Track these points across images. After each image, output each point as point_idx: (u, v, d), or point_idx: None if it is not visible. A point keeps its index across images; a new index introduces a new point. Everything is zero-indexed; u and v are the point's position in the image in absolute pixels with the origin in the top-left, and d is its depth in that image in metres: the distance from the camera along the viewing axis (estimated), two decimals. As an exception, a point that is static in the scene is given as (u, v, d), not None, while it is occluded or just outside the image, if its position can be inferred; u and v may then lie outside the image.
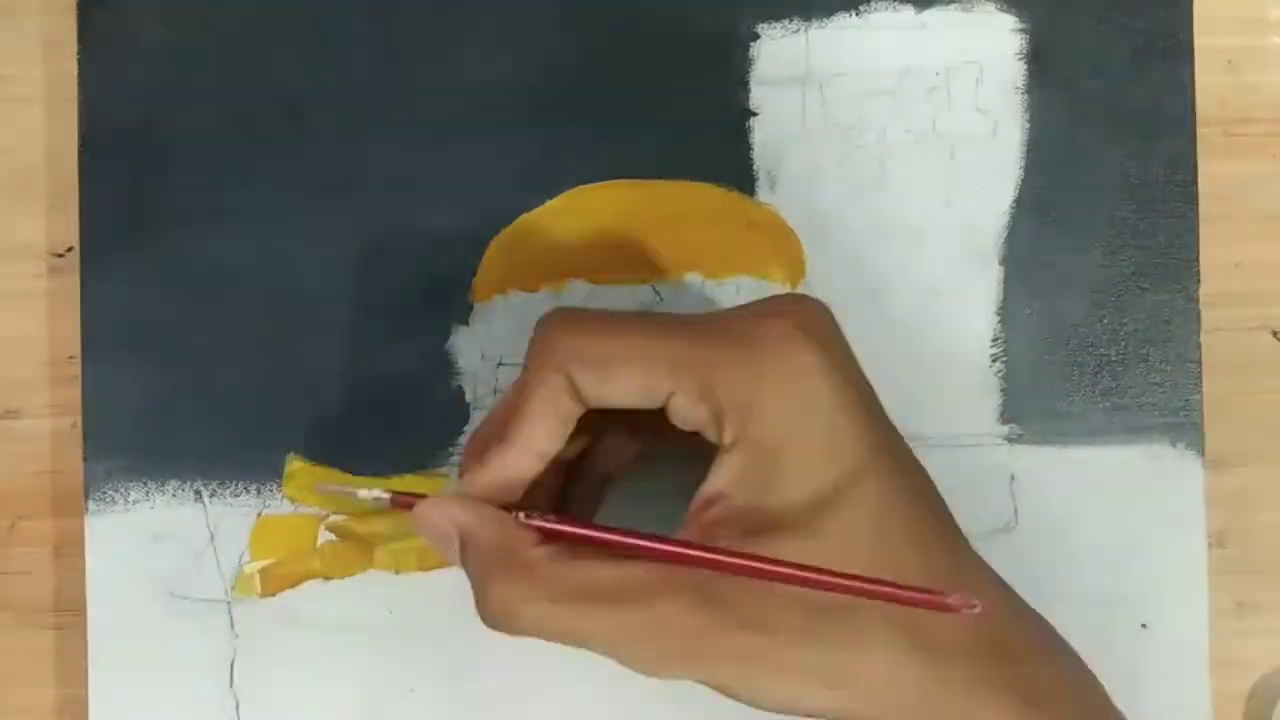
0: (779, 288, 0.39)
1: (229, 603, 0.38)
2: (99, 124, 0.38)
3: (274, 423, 0.38)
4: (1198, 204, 0.39)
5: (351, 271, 0.38)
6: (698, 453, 0.30)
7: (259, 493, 0.38)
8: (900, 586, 0.27)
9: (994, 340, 0.39)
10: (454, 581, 0.38)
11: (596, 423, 0.31)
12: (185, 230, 0.38)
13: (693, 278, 0.39)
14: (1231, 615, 0.39)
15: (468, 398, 0.38)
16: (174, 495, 0.38)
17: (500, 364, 0.38)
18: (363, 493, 0.32)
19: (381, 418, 0.38)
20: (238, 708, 0.38)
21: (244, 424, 0.38)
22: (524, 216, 0.38)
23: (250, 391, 0.38)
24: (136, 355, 0.38)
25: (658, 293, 0.39)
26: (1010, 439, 0.38)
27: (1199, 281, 0.39)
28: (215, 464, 0.38)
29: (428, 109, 0.38)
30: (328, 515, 0.38)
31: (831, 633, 0.27)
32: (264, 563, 0.38)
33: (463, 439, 0.38)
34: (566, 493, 0.34)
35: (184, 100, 0.38)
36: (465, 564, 0.29)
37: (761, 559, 0.27)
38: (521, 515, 0.29)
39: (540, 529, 0.29)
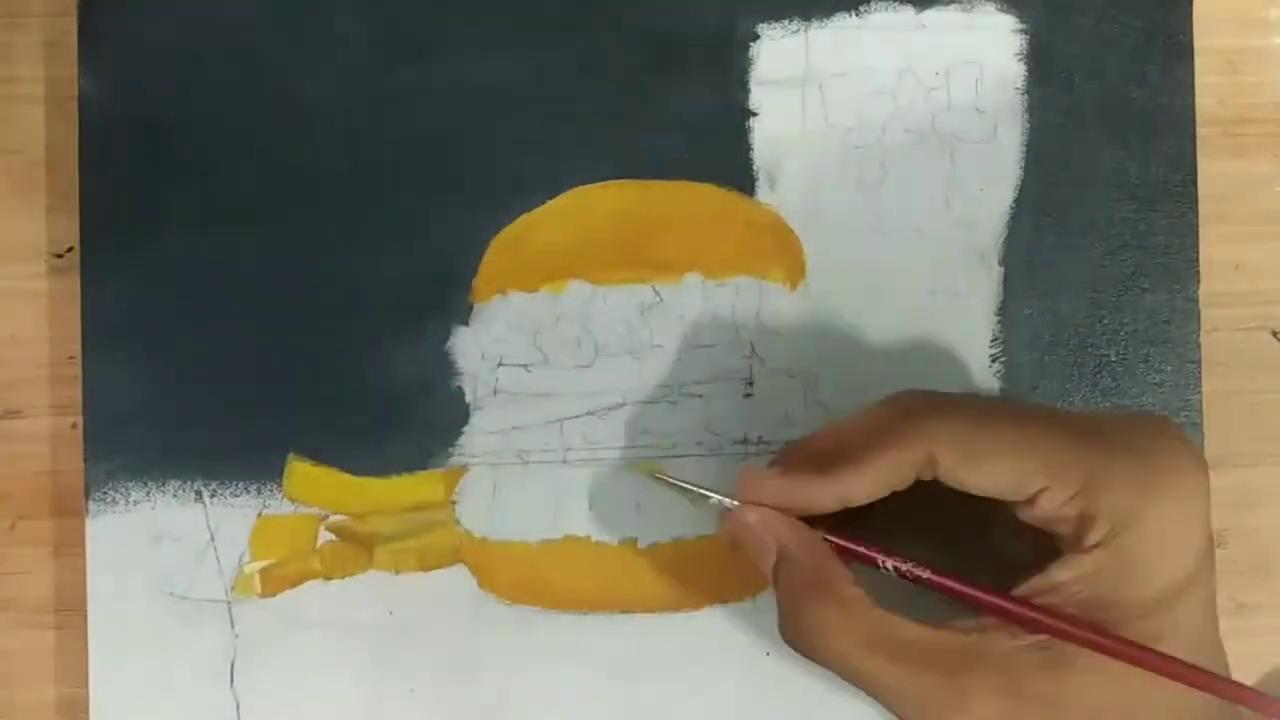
0: (779, 288, 0.39)
1: (229, 603, 0.38)
2: (99, 125, 0.38)
3: (274, 423, 0.38)
4: (1197, 204, 0.39)
5: (351, 271, 0.38)
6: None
7: (259, 493, 0.38)
8: (1240, 686, 0.30)
9: (994, 340, 0.39)
10: (454, 581, 0.38)
11: None
12: (185, 230, 0.38)
13: (693, 278, 0.39)
14: (1231, 615, 0.39)
15: (468, 398, 0.38)
16: (174, 495, 0.38)
17: (500, 364, 0.38)
18: (703, 493, 0.34)
19: (381, 418, 0.38)
20: (238, 708, 0.38)
21: (244, 424, 0.38)
22: (524, 216, 0.38)
23: (250, 391, 0.38)
24: (137, 355, 0.38)
25: (658, 293, 0.39)
26: (1010, 439, 0.38)
27: (1199, 281, 0.39)
28: (216, 464, 0.38)
29: (428, 109, 0.38)
30: (328, 515, 0.38)
31: None
32: (264, 563, 0.38)
33: (463, 439, 0.38)
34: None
35: (184, 100, 0.38)
36: (777, 579, 0.32)
37: (1125, 640, 0.29)
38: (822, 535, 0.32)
39: (838, 548, 0.32)
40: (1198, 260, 0.39)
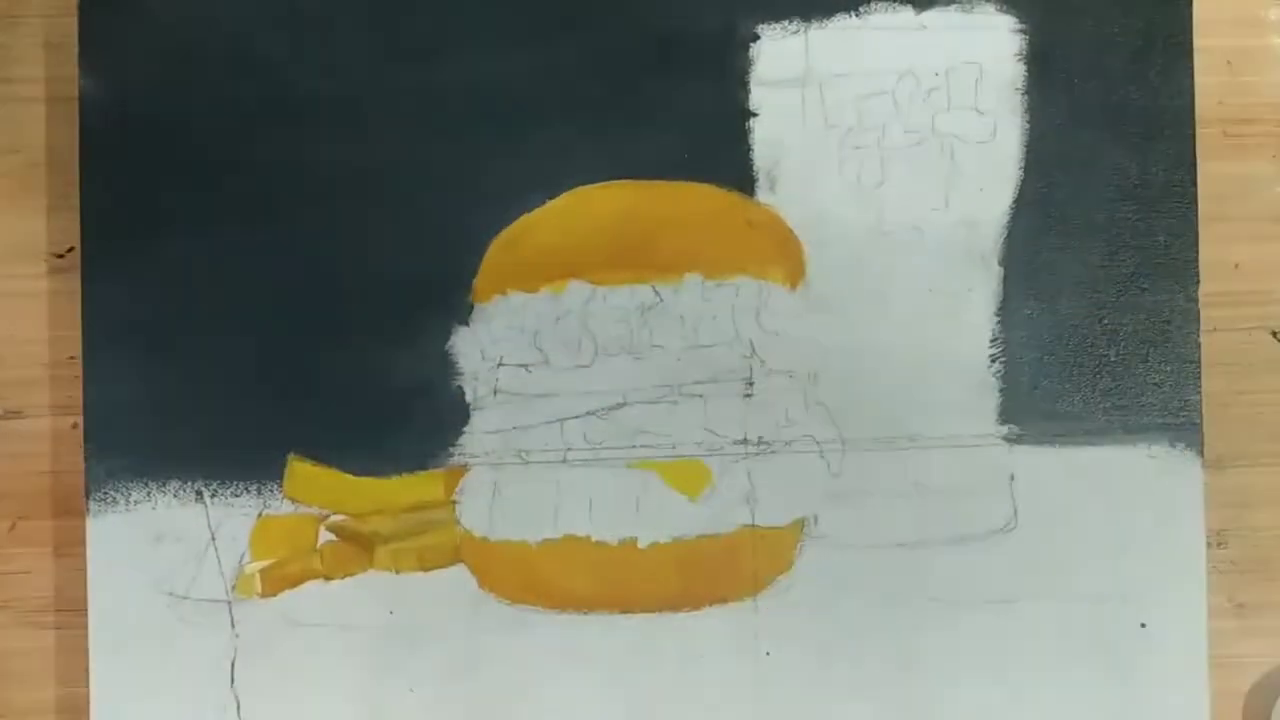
0: (779, 288, 0.39)
1: (229, 602, 0.38)
2: (99, 124, 0.38)
3: (274, 423, 0.38)
4: (1197, 204, 0.39)
5: (352, 271, 0.38)
6: None
7: (259, 493, 0.38)
8: None
9: (993, 340, 0.39)
10: (454, 581, 0.38)
11: None
12: (185, 230, 0.38)
13: (693, 278, 0.39)
14: (1230, 615, 0.39)
15: (468, 398, 0.38)
16: (175, 495, 0.38)
17: (500, 364, 0.38)
18: None
19: (381, 418, 0.38)
20: (238, 707, 0.38)
21: (244, 424, 0.38)
22: (524, 216, 0.38)
23: (250, 391, 0.38)
24: (137, 355, 0.38)
25: (658, 293, 0.39)
26: (1010, 439, 0.38)
27: (1198, 281, 0.39)
28: (216, 464, 0.38)
29: (428, 109, 0.38)
30: (328, 515, 0.38)
31: None
32: (264, 563, 0.38)
33: (463, 439, 0.38)
34: None
35: (184, 101, 0.38)
36: None
37: None
38: None
39: None
40: (1198, 260, 0.39)
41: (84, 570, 0.37)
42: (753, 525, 0.38)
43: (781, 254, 0.39)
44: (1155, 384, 0.39)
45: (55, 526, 0.39)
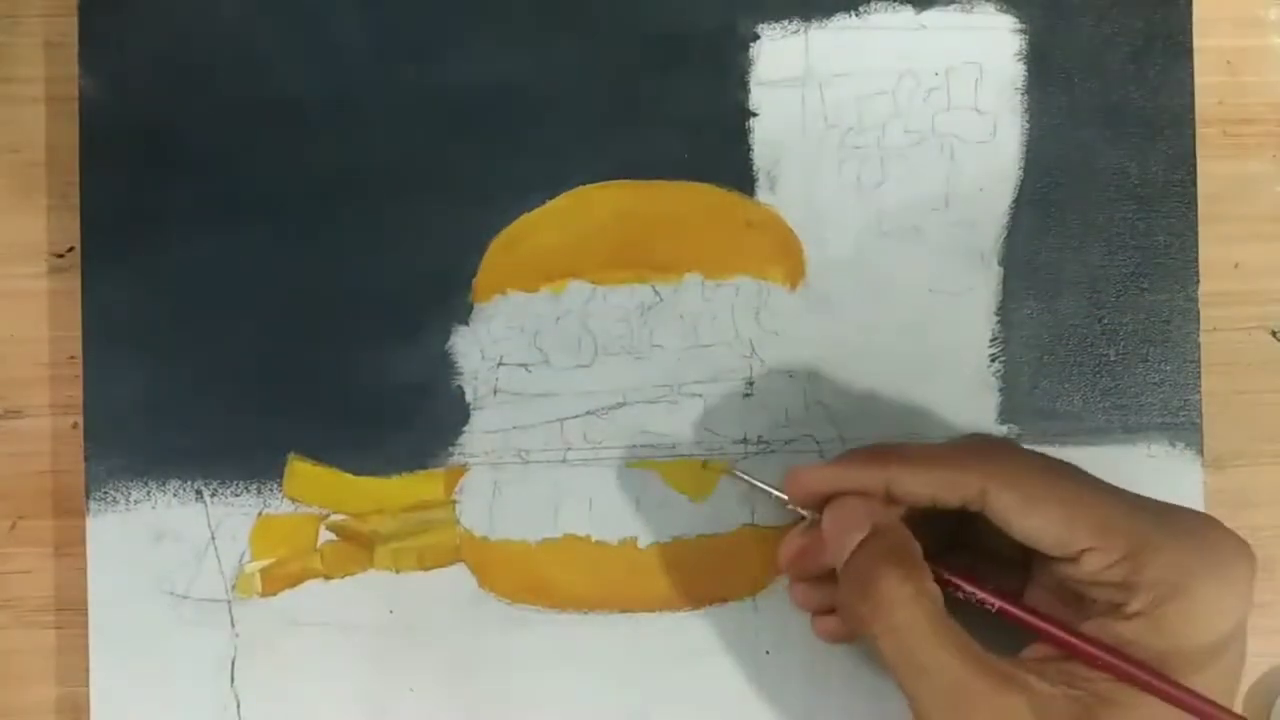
0: (779, 288, 0.39)
1: (229, 602, 0.38)
2: (99, 124, 0.38)
3: (274, 423, 0.38)
4: (1197, 204, 0.39)
5: (351, 271, 0.38)
6: None
7: (259, 492, 0.38)
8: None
9: (993, 340, 0.39)
10: (454, 581, 0.38)
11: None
12: (185, 230, 0.38)
13: (693, 278, 0.39)
14: (1231, 615, 0.39)
15: (468, 398, 0.38)
16: (175, 495, 0.38)
17: (500, 364, 0.38)
18: (776, 494, 0.36)
19: (381, 418, 0.38)
20: (238, 707, 0.38)
21: (244, 424, 0.38)
22: (524, 216, 0.38)
23: (250, 391, 0.38)
24: (137, 355, 0.38)
25: (658, 293, 0.39)
26: (1010, 439, 0.38)
27: (1198, 281, 0.39)
28: (216, 464, 0.38)
29: (428, 109, 0.38)
30: (328, 515, 0.38)
31: None
32: (265, 562, 0.38)
33: (463, 439, 0.38)
34: None
35: (184, 100, 0.38)
36: (859, 549, 0.32)
37: (1168, 679, 0.30)
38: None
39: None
40: (1197, 260, 0.39)
41: (84, 570, 0.37)
42: (753, 525, 0.38)
43: (781, 254, 0.39)
44: (1155, 384, 0.39)
45: (55, 526, 0.39)
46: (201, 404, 0.38)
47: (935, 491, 0.32)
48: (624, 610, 0.38)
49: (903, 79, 0.39)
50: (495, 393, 0.38)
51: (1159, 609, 0.30)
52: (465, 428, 0.38)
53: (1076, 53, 0.39)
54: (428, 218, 0.38)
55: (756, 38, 0.39)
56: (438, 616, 0.38)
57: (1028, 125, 0.39)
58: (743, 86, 0.39)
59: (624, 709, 0.38)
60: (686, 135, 0.39)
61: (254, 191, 0.38)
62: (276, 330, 0.38)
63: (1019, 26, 0.39)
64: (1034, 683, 0.30)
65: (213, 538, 0.38)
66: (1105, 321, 0.39)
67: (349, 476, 0.38)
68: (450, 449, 0.38)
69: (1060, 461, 0.33)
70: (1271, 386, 0.40)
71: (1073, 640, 0.31)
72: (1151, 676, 0.30)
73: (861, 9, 0.39)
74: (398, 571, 0.38)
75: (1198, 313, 0.39)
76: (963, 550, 0.34)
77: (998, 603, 0.32)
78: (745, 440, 0.38)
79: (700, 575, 0.38)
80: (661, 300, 0.39)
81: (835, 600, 0.35)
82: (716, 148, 0.39)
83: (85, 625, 0.37)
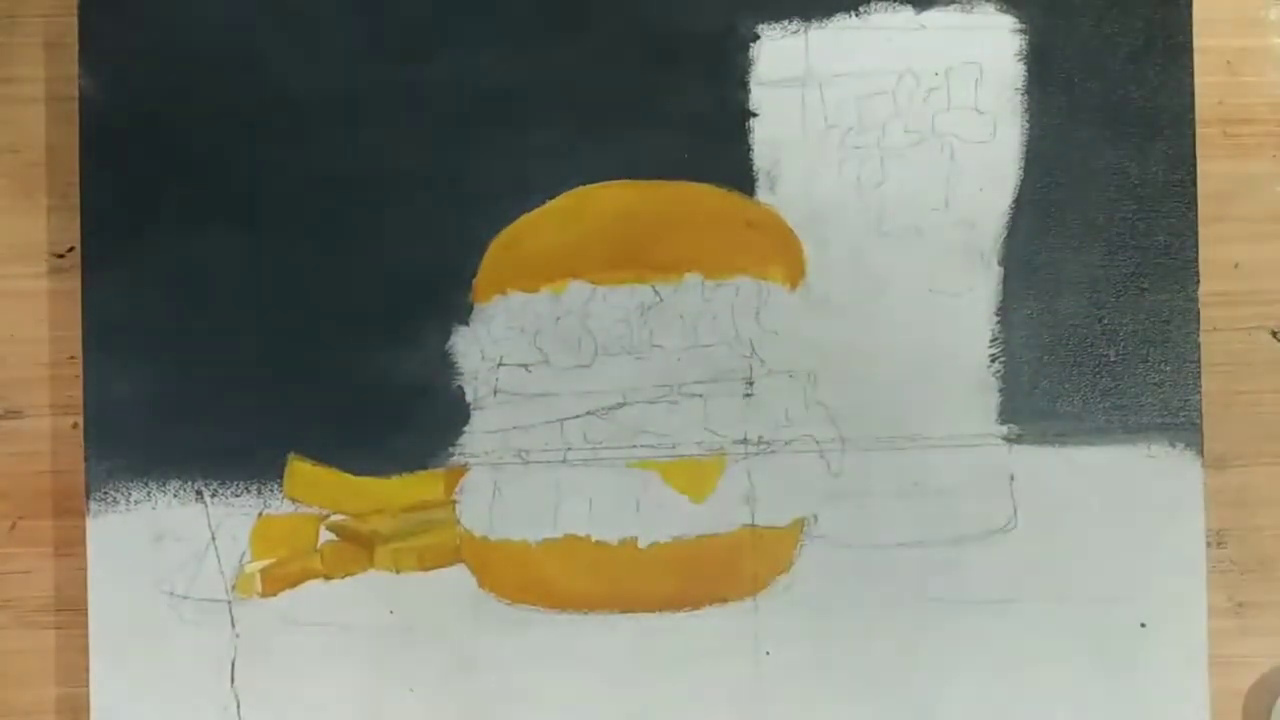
0: (779, 288, 0.39)
1: (230, 602, 0.38)
2: (99, 124, 0.38)
3: (274, 423, 0.38)
4: (1197, 204, 0.39)
5: (352, 271, 0.38)
6: None
7: (259, 493, 0.38)
8: None
9: (993, 340, 0.39)
10: (454, 581, 0.38)
11: None
12: (185, 230, 0.38)
13: (693, 278, 0.39)
14: (1230, 615, 0.39)
15: (468, 398, 0.38)
16: (175, 495, 0.38)
17: (500, 364, 0.38)
18: None
19: (381, 418, 0.38)
20: (238, 707, 0.38)
21: (244, 424, 0.38)
22: (524, 216, 0.38)
23: (250, 391, 0.38)
24: (137, 355, 0.38)
25: (658, 293, 0.39)
26: (1010, 439, 0.39)
27: (1198, 281, 0.39)
28: (216, 464, 0.38)
29: (428, 109, 0.38)
30: (328, 515, 0.38)
31: None
32: (265, 562, 0.38)
33: (463, 439, 0.38)
34: None
35: (184, 101, 0.38)
36: None
37: None
38: None
39: None
40: (1198, 260, 0.39)
41: (84, 570, 0.37)
42: (753, 525, 0.38)
43: (781, 254, 0.39)
44: (1155, 384, 0.39)
45: (55, 526, 0.39)
46: (202, 404, 0.38)
47: None
48: (624, 610, 0.38)
49: (903, 79, 0.39)
50: (495, 393, 0.38)
51: None
52: (465, 428, 0.38)
53: (1076, 53, 0.39)
54: (428, 217, 0.38)
55: (756, 38, 0.39)
56: (438, 616, 0.38)
57: (1028, 125, 0.39)
58: (743, 86, 0.39)
59: (623, 709, 0.38)
60: (686, 135, 0.39)
61: (253, 191, 0.38)
62: (276, 330, 0.38)
63: (1019, 26, 0.39)
64: None
65: (213, 538, 0.38)
66: (1105, 322, 0.39)
67: (349, 476, 0.38)
68: (450, 449, 0.38)
69: None
70: (1271, 386, 0.40)
71: None
72: None
73: (861, 9, 0.39)
74: (398, 571, 0.38)
75: (1198, 313, 0.39)
76: None
77: None
78: (745, 440, 0.38)
79: (700, 575, 0.38)
80: (661, 300, 0.39)
81: None
82: (716, 148, 0.39)
83: (85, 625, 0.37)
